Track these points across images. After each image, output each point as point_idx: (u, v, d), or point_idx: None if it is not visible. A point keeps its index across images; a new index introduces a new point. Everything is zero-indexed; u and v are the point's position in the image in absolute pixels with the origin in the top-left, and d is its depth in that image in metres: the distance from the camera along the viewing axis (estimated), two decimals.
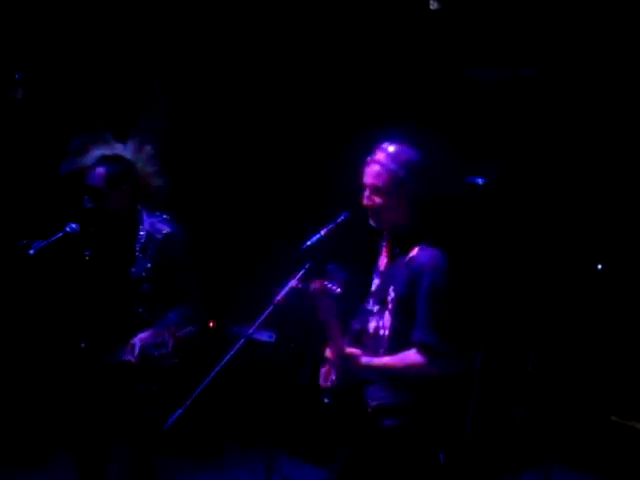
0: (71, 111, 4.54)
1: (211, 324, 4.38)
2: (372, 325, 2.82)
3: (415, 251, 2.74)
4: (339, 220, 2.83)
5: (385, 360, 2.71)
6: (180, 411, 2.55)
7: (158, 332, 3.10)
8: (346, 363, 2.71)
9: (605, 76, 4.57)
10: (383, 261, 2.89)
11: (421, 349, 2.66)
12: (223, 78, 5.02)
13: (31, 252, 2.96)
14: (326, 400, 2.85)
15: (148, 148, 3.26)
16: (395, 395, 2.73)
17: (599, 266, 4.69)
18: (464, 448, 4.18)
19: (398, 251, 2.80)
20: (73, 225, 3.11)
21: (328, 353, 2.85)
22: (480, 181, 4.35)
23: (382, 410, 2.73)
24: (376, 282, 2.89)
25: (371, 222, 2.81)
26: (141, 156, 3.26)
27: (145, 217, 3.21)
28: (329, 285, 2.74)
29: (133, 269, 3.14)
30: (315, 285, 2.71)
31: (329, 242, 2.79)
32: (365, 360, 2.70)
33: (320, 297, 2.72)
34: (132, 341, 3.06)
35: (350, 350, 2.71)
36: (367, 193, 2.77)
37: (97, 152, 3.18)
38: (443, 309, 2.67)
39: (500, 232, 4.68)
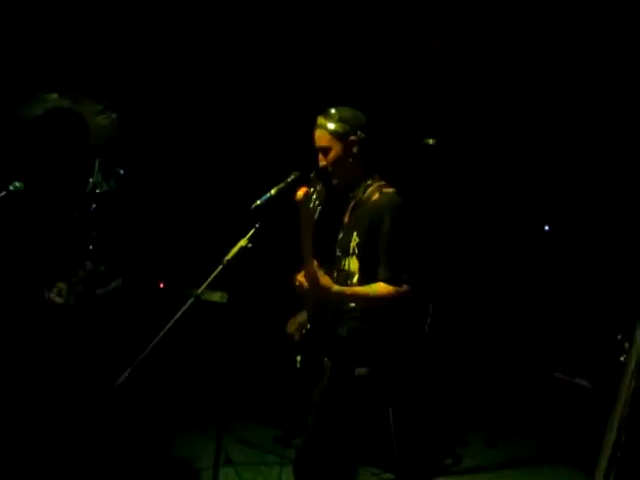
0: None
1: (161, 285, 4.35)
2: (339, 271, 2.99)
3: (375, 196, 2.96)
4: (289, 179, 2.86)
5: (356, 289, 2.91)
6: (128, 371, 2.53)
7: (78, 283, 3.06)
8: (320, 292, 2.84)
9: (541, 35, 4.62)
10: (347, 216, 3.08)
11: (388, 282, 2.86)
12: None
13: None
14: (299, 359, 2.98)
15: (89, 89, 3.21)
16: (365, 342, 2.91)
17: (546, 227, 4.77)
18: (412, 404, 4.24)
19: (358, 201, 3.00)
20: (17, 184, 3.05)
21: (302, 281, 2.92)
22: (431, 141, 4.39)
23: (352, 359, 2.89)
24: (341, 235, 3.08)
25: (333, 183, 2.98)
26: (81, 98, 3.19)
27: (97, 169, 3.16)
28: (312, 192, 2.80)
29: (78, 222, 3.11)
30: (300, 191, 2.78)
31: (280, 201, 2.80)
32: (337, 288, 2.87)
33: (303, 204, 2.78)
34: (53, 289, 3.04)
35: (324, 279, 2.85)
36: (320, 157, 2.99)
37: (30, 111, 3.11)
38: (404, 247, 2.88)
39: (450, 191, 4.73)
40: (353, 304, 2.93)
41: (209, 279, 2.72)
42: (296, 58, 5.00)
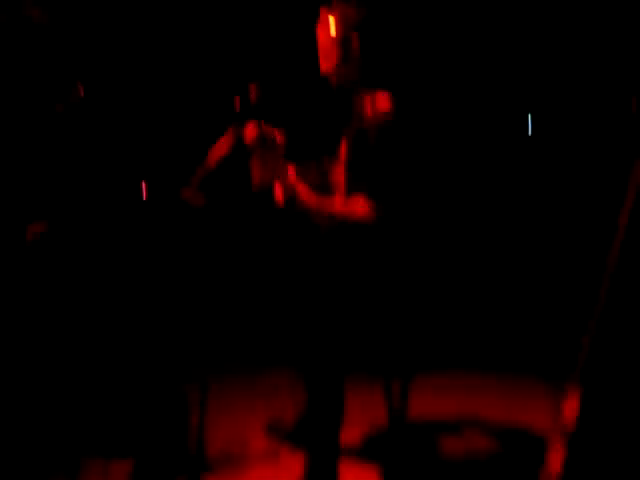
0: None
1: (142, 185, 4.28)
2: (329, 179, 2.89)
3: (366, 101, 2.80)
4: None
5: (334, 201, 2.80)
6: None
7: None
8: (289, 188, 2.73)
9: None
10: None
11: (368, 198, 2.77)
12: None
13: None
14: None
15: None
16: None
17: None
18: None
19: (351, 107, 2.85)
20: None
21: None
22: None
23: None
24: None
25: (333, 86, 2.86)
26: None
27: None
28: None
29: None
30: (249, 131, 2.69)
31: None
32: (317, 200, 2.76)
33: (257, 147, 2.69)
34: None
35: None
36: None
37: None
38: (389, 159, 2.79)
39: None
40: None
41: (193, 180, 2.68)
42: None
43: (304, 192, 2.76)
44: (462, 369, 4.36)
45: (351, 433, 3.10)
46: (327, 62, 2.80)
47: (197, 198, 2.99)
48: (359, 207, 2.74)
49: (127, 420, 3.19)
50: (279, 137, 2.68)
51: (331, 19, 2.75)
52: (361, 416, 3.27)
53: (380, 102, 2.78)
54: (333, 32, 2.74)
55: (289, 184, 2.71)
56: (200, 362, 2.97)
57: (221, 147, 2.71)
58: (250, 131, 2.67)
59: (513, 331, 4.71)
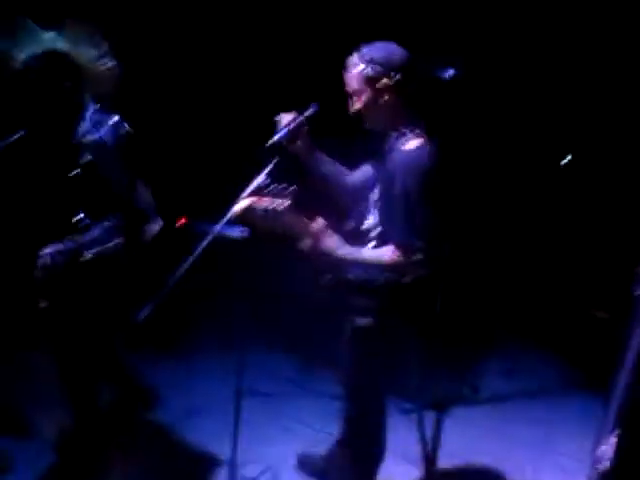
0: None
1: (182, 220, 4.36)
2: (364, 223, 2.90)
3: (398, 146, 2.76)
4: (307, 113, 2.82)
5: (363, 252, 2.79)
6: (150, 306, 2.57)
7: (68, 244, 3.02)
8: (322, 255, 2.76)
9: None
10: (374, 165, 2.95)
11: (395, 246, 2.73)
12: None
13: None
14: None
15: (87, 30, 3.07)
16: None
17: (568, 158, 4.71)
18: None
19: (385, 152, 2.83)
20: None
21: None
22: (450, 73, 4.30)
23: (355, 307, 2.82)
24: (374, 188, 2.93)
25: (366, 126, 2.84)
26: (80, 42, 3.06)
27: (89, 113, 3.05)
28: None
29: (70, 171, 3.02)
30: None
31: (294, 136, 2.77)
32: (345, 249, 2.76)
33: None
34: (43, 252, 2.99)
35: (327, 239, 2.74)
36: (350, 100, 2.81)
37: (23, 51, 2.98)
38: (419, 209, 2.71)
39: (468, 125, 4.66)
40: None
41: (227, 215, 2.73)
42: None
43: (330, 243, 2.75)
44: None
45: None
46: (357, 103, 2.79)
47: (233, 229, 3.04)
48: (387, 254, 2.71)
49: None
50: (284, 201, 2.68)
51: (360, 65, 2.73)
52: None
53: (411, 144, 2.74)
54: (363, 76, 2.73)
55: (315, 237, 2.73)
56: None
57: (257, 180, 2.76)
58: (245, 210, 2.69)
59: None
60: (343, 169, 3.03)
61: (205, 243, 2.69)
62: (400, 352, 2.90)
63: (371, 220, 2.86)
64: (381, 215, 2.79)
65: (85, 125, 3.04)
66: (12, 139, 2.92)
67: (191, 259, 2.66)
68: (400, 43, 2.83)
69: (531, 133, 4.84)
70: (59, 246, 3.03)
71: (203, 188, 4.86)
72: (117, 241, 3.10)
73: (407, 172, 2.69)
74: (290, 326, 4.75)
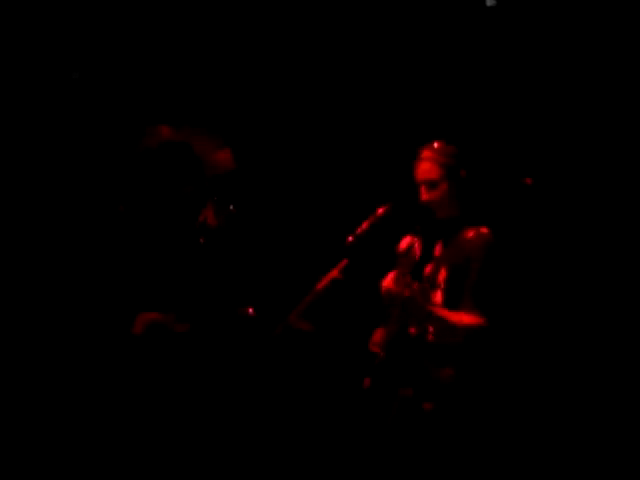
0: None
1: (250, 311, 4.41)
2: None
3: (471, 234, 2.94)
4: (382, 212, 2.89)
5: (449, 312, 2.86)
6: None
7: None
8: (411, 303, 2.80)
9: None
10: (438, 249, 3.02)
11: (477, 313, 2.85)
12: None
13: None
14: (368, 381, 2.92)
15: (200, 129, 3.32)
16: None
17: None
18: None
19: (454, 236, 2.98)
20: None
21: (389, 287, 2.88)
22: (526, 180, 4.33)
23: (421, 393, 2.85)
24: (430, 267, 2.99)
25: (435, 214, 3.02)
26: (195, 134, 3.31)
27: (211, 203, 3.23)
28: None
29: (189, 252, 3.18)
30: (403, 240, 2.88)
31: (371, 234, 2.84)
32: (429, 306, 2.85)
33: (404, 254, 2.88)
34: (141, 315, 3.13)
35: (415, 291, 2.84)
36: (423, 189, 3.00)
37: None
38: (492, 285, 2.88)
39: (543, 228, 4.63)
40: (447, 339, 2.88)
41: (299, 307, 2.76)
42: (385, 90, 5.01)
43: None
44: None
45: None
46: (434, 193, 2.98)
47: (304, 324, 3.07)
48: (470, 319, 2.83)
49: None
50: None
51: (440, 156, 2.97)
52: None
53: (481, 236, 2.92)
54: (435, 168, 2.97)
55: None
56: None
57: (331, 276, 2.80)
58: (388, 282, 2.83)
59: None
60: None
61: (273, 335, 2.72)
62: None
63: (434, 297, 2.93)
64: (448, 295, 2.89)
65: (208, 211, 3.24)
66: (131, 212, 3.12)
67: (260, 349, 2.69)
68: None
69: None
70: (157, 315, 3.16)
71: (276, 280, 4.92)
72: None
73: (486, 249, 2.90)
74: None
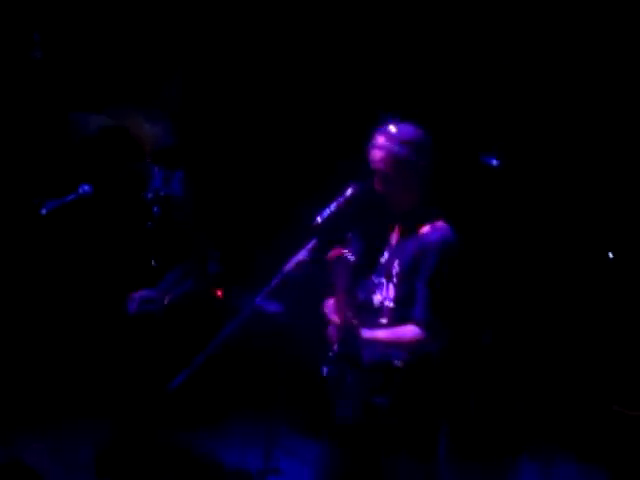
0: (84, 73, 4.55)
1: (219, 293, 4.40)
2: (376, 297, 2.85)
3: (426, 228, 2.76)
4: (348, 194, 2.84)
5: (384, 334, 2.74)
6: (183, 377, 2.58)
7: (156, 290, 3.22)
8: (349, 333, 2.73)
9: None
10: (395, 237, 2.92)
11: (420, 326, 2.69)
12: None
13: (43, 211, 3.01)
14: (325, 370, 2.87)
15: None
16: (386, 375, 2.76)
17: (610, 255, 4.68)
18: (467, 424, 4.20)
19: (410, 228, 2.82)
20: (86, 187, 3.17)
21: (333, 317, 2.84)
22: (494, 162, 4.32)
23: (374, 389, 2.76)
24: (385, 256, 2.92)
25: (388, 206, 2.82)
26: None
27: (156, 173, 3.30)
28: (346, 253, 2.73)
29: (146, 223, 3.26)
30: (333, 252, 2.73)
31: (338, 215, 2.80)
32: (367, 334, 2.73)
33: (336, 264, 2.73)
34: (133, 295, 3.19)
35: (354, 321, 2.74)
36: (376, 179, 2.78)
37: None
38: (444, 291, 2.68)
39: (509, 215, 4.67)
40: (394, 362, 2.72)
41: (266, 289, 2.75)
42: (352, 65, 5.01)
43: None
44: None
45: None
46: (384, 184, 2.74)
47: (272, 304, 3.07)
48: (408, 333, 2.66)
49: None
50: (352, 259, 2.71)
51: (389, 146, 2.70)
52: None
53: (436, 232, 2.71)
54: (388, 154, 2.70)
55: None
56: None
57: (298, 257, 2.79)
58: (334, 252, 2.71)
59: None
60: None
61: (241, 316, 2.70)
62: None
63: (383, 295, 2.81)
64: (400, 292, 2.74)
65: (154, 182, 3.28)
66: (78, 194, 3.13)
67: (227, 332, 2.67)
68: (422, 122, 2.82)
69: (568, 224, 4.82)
70: (144, 292, 3.24)
71: (244, 262, 4.92)
72: (186, 285, 3.29)
73: (440, 252, 2.68)
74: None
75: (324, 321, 2.93)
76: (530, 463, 4.52)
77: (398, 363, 2.72)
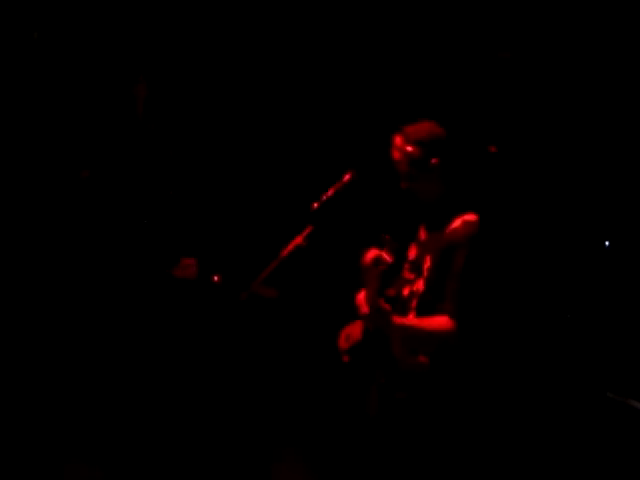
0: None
1: (215, 278, 4.41)
2: (407, 292, 2.86)
3: (456, 222, 2.72)
4: (347, 179, 2.85)
5: (415, 321, 2.77)
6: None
7: None
8: (380, 318, 2.72)
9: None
10: (422, 232, 2.95)
11: (451, 318, 2.72)
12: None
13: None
14: (347, 358, 2.89)
15: None
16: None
17: (606, 243, 4.68)
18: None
19: (438, 222, 2.83)
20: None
21: (361, 307, 2.84)
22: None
23: (394, 382, 2.79)
24: (415, 251, 2.93)
25: (415, 202, 2.87)
26: None
27: None
28: (382, 254, 2.70)
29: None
30: (369, 254, 2.71)
31: (336, 201, 2.82)
32: (398, 319, 2.73)
33: (372, 266, 2.70)
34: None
35: (385, 305, 2.73)
36: (401, 177, 2.86)
37: None
38: (474, 284, 2.73)
39: (505, 204, 4.67)
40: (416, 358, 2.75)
41: (263, 274, 2.76)
42: (362, 65, 5.00)
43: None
44: None
45: None
46: (404, 184, 2.83)
47: (268, 290, 3.08)
48: (443, 323, 2.70)
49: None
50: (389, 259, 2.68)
51: (407, 148, 2.78)
52: None
53: (467, 224, 2.68)
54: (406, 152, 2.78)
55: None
56: None
57: (295, 243, 2.80)
58: (371, 253, 2.70)
59: None
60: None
61: (237, 301, 2.71)
62: None
63: (414, 290, 2.83)
64: (431, 287, 2.78)
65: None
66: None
67: (223, 315, 2.68)
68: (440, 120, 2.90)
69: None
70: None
71: (240, 247, 4.92)
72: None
73: (471, 246, 2.72)
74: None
75: (355, 314, 2.91)
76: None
77: (423, 359, 2.75)
